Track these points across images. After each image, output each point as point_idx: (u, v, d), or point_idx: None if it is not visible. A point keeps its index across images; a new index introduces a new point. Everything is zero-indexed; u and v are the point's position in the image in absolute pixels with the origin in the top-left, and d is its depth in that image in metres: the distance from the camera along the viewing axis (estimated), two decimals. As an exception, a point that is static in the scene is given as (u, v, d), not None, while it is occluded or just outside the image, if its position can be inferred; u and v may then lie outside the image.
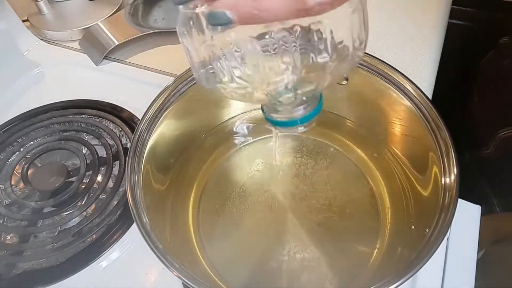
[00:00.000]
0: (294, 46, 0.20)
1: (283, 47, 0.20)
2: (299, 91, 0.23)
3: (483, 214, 0.35)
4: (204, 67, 0.22)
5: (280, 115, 0.26)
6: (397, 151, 0.39)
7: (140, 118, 0.34)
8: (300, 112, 0.25)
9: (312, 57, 0.20)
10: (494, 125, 0.55)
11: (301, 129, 0.26)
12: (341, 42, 0.20)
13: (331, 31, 0.20)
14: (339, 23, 0.20)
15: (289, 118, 0.25)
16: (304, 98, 0.25)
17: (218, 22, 0.16)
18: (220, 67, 0.21)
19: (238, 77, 0.21)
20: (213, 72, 0.22)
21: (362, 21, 0.21)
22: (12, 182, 0.41)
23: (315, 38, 0.19)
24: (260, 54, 0.20)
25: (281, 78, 0.21)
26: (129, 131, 0.44)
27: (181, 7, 0.19)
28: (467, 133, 0.59)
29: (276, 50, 0.20)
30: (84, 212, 0.38)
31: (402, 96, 0.35)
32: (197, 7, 0.18)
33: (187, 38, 0.21)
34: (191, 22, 0.20)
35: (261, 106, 0.27)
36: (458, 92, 0.64)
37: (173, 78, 0.37)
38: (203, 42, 0.20)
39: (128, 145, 0.39)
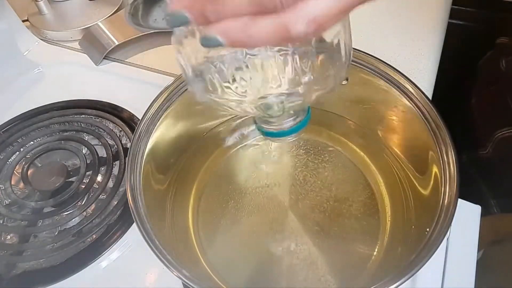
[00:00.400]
0: (284, 56, 0.21)
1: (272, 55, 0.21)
2: (287, 105, 0.24)
3: (481, 215, 0.35)
4: (197, 80, 0.23)
5: (271, 126, 0.27)
6: (397, 151, 0.39)
7: (140, 118, 0.34)
8: (289, 123, 0.27)
9: (297, 76, 0.22)
10: (492, 125, 0.55)
11: (290, 138, 0.28)
12: (324, 63, 0.22)
13: (315, 52, 0.21)
14: (321, 46, 0.21)
15: (279, 129, 0.27)
16: (292, 112, 0.26)
17: (210, 44, 0.17)
18: (212, 80, 0.22)
19: (228, 89, 0.22)
20: (205, 85, 0.23)
21: (344, 44, 0.22)
22: (12, 182, 0.41)
23: (301, 59, 0.21)
24: (249, 64, 0.21)
25: (269, 93, 0.23)
26: (129, 131, 0.44)
27: (176, 28, 0.20)
28: (464, 134, 0.59)
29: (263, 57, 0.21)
30: (84, 212, 0.38)
31: (402, 96, 0.35)
32: (191, 30, 0.20)
33: (182, 53, 0.22)
34: (185, 40, 0.21)
35: (253, 117, 0.29)
36: (457, 92, 0.64)
37: (173, 78, 0.37)
38: (196, 57, 0.22)
39: (128, 145, 0.39)
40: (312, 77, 0.22)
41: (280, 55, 0.21)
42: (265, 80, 0.22)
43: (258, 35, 0.16)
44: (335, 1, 0.16)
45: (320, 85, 0.23)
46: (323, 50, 0.22)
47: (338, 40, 0.21)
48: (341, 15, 0.16)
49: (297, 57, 0.21)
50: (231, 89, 0.22)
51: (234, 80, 0.22)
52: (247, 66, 0.21)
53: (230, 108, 0.24)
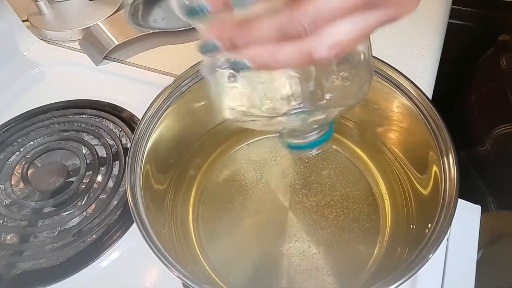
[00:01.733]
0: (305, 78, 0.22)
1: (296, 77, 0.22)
2: (310, 121, 0.24)
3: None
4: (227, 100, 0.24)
5: (295, 139, 0.28)
6: (397, 151, 0.39)
7: (140, 118, 0.34)
8: (313, 137, 0.27)
9: (320, 93, 0.22)
10: (491, 122, 0.55)
11: (314, 151, 0.29)
12: (347, 80, 0.22)
13: (337, 70, 0.22)
14: (345, 66, 0.22)
15: (303, 142, 0.28)
16: (316, 126, 0.27)
17: (239, 68, 0.19)
18: (240, 99, 0.23)
19: (253, 107, 0.23)
20: (233, 108, 0.24)
21: (365, 60, 0.22)
22: (12, 182, 0.41)
23: (323, 77, 0.22)
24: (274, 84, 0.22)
25: (293, 110, 0.23)
26: (129, 131, 0.44)
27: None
28: (463, 131, 0.59)
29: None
30: (84, 212, 0.38)
31: (402, 96, 0.35)
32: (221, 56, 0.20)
33: (210, 73, 0.22)
34: (215, 63, 0.21)
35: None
36: (456, 90, 0.64)
37: (173, 78, 0.37)
38: (224, 78, 0.22)
39: (128, 145, 0.39)
40: (334, 94, 0.22)
41: (303, 74, 0.21)
42: (289, 98, 0.22)
43: (283, 60, 0.17)
44: (355, 27, 0.17)
45: (343, 101, 0.23)
46: (345, 67, 0.22)
47: (360, 57, 0.22)
48: (361, 39, 0.17)
49: (319, 75, 0.21)
50: (256, 107, 0.23)
51: (262, 98, 0.23)
52: (272, 86, 0.22)
53: (257, 125, 0.24)
